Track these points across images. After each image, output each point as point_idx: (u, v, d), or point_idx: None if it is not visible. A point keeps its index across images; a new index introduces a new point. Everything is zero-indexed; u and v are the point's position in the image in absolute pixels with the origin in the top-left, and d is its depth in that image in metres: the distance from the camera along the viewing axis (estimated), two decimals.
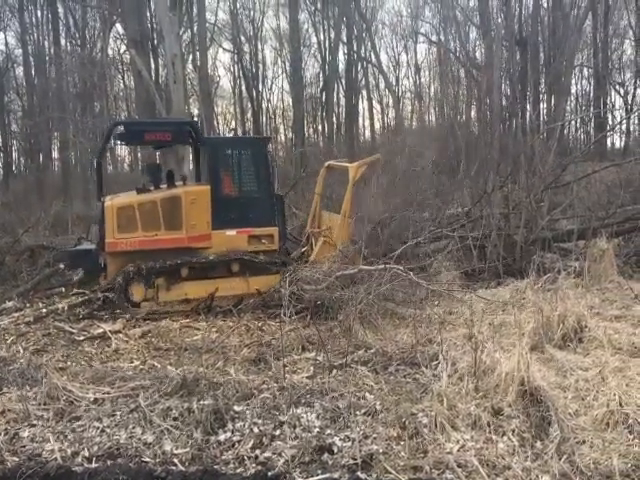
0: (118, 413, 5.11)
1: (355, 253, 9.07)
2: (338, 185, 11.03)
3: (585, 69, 35.13)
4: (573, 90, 34.18)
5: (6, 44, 30.90)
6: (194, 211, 8.75)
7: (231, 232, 8.97)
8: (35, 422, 5.01)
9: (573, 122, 32.15)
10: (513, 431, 4.52)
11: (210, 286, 8.65)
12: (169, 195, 8.85)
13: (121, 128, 9.59)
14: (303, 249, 9.77)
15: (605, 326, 6.60)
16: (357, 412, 4.93)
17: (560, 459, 4.15)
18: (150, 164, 10.96)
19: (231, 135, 11.55)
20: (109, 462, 4.42)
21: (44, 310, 8.37)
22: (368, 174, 10.19)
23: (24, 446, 4.67)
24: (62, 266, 9.77)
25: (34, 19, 29.35)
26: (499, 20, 30.06)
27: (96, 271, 8.98)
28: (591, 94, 34.89)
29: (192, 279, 8.75)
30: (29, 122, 27.13)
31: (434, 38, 38.68)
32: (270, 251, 9.12)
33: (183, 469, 4.30)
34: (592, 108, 32.74)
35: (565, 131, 27.05)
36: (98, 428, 4.87)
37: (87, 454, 4.52)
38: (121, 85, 31.36)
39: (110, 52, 28.34)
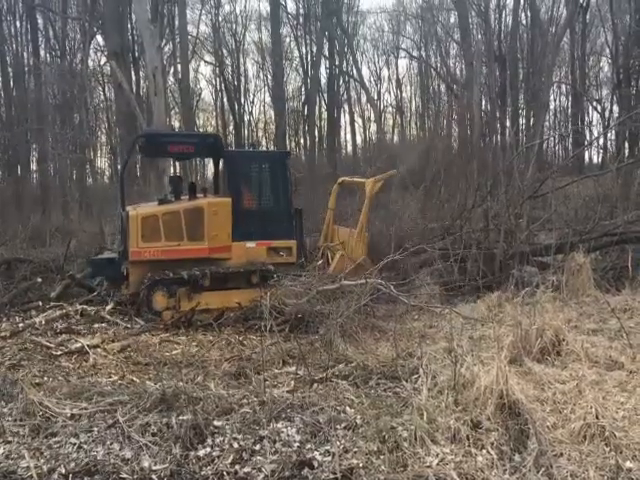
0: (96, 429, 5.03)
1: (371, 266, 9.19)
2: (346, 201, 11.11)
3: (563, 85, 35.81)
4: (552, 106, 34.83)
5: None
6: (216, 222, 8.91)
7: (251, 244, 9.14)
8: (10, 438, 4.91)
9: (552, 137, 32.68)
10: (492, 444, 4.55)
11: (231, 297, 8.81)
12: (192, 206, 9.00)
13: (143, 140, 9.65)
14: (319, 262, 9.79)
15: (582, 340, 6.68)
16: (337, 426, 4.92)
17: (538, 472, 4.19)
18: (172, 176, 11.16)
19: (251, 149, 11.68)
20: (86, 479, 4.36)
21: (21, 324, 8.25)
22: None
23: None
24: (39, 280, 9.70)
25: (13, 29, 29.13)
26: (479, 37, 30.62)
27: (118, 280, 9.06)
28: (569, 110, 35.58)
29: (213, 289, 8.86)
30: (7, 134, 26.82)
31: (415, 53, 39.23)
32: (288, 264, 9.24)
33: None
34: (570, 124, 33.35)
35: (544, 145, 27.45)
36: (75, 444, 4.79)
37: (64, 471, 4.44)
38: (101, 97, 31.21)
39: (90, 64, 28.20)
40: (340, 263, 9.42)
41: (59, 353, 7.24)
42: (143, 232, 8.61)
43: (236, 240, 9.07)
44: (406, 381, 5.78)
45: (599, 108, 34.82)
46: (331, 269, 9.38)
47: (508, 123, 27.59)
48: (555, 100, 36.77)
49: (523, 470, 4.22)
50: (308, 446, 4.68)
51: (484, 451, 4.48)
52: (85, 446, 4.76)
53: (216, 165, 10.67)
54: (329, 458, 4.48)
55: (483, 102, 28.62)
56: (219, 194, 9.94)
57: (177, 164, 17.43)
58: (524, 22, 31.51)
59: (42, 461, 4.58)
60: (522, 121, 30.12)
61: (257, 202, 9.48)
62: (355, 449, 4.58)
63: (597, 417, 4.70)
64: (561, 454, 4.42)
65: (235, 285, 9.05)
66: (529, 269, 10.33)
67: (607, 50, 32.48)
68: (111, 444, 4.78)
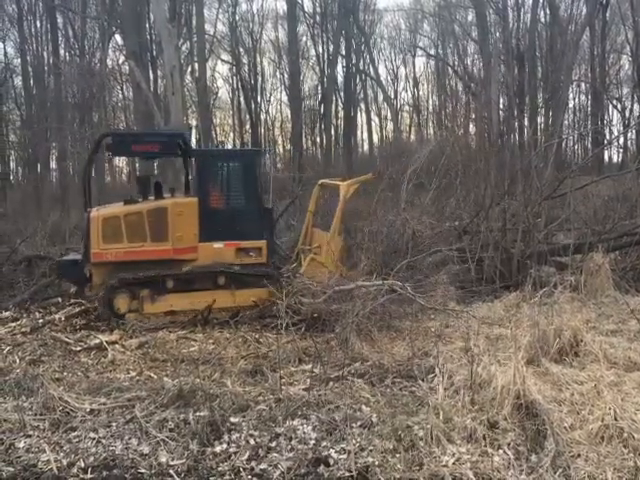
0: (114, 424, 5.11)
1: (345, 271, 9.10)
2: (331, 203, 10.99)
3: (582, 84, 35.41)
4: (570, 105, 34.47)
5: (5, 54, 30.93)
6: (180, 223, 8.68)
7: (218, 245, 8.88)
8: (31, 432, 5.00)
9: (571, 137, 32.35)
10: (509, 444, 4.53)
11: (195, 299, 8.61)
12: (155, 207, 8.77)
13: (109, 139, 9.46)
14: (292, 265, 9.70)
15: (601, 340, 6.61)
16: (353, 424, 4.93)
17: (555, 473, 4.16)
18: (141, 176, 10.91)
19: (220, 147, 11.44)
20: (105, 473, 4.42)
21: (41, 320, 8.38)
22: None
23: (20, 456, 4.66)
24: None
25: (33, 29, 29.53)
26: (497, 35, 30.39)
27: (82, 282, 8.90)
28: (588, 109, 35.17)
29: (177, 291, 8.69)
30: (27, 132, 27.21)
31: (432, 52, 39.05)
32: (258, 264, 9.02)
33: None
34: (589, 123, 32.97)
35: (562, 145, 27.18)
36: (94, 439, 4.87)
37: (83, 465, 4.51)
38: (120, 96, 31.49)
39: (109, 63, 28.52)
40: (310, 267, 9.18)
41: (78, 349, 7.35)
42: (104, 233, 8.43)
43: (204, 241, 8.82)
44: (422, 380, 5.77)
45: (619, 107, 34.48)
46: (300, 272, 9.12)
47: (526, 122, 27.34)
48: (574, 99, 36.43)
49: (540, 471, 4.20)
50: (324, 444, 4.70)
51: (501, 451, 4.47)
52: (104, 441, 4.84)
53: (186, 164, 10.39)
54: (345, 456, 4.49)
55: (501, 101, 28.43)
56: (189, 194, 9.69)
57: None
58: (543, 20, 31.25)
59: (62, 455, 4.66)
60: (540, 120, 29.89)
61: (225, 202, 9.21)
62: (371, 447, 4.59)
63: (615, 418, 4.66)
64: (579, 455, 4.39)
65: (202, 287, 8.82)
66: (547, 269, 10.24)
67: (627, 48, 32.07)
68: (129, 439, 4.85)
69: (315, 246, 9.80)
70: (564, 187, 11.55)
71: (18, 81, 30.60)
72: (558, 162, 17.86)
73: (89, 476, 4.39)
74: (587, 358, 6.16)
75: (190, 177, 10.44)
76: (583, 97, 37.33)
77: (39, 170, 27.72)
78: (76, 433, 4.97)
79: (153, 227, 8.60)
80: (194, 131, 26.92)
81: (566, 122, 32.78)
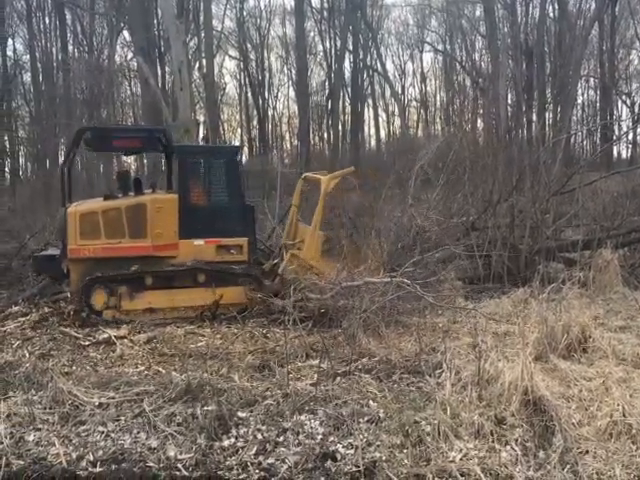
0: (123, 418, 5.13)
1: (328, 266, 8.96)
2: (316, 197, 10.85)
3: (591, 79, 35.19)
4: (579, 100, 34.25)
5: (14, 50, 31.07)
6: (160, 219, 8.55)
7: (199, 242, 8.76)
8: (40, 426, 5.04)
9: (579, 132, 32.16)
10: (516, 440, 4.53)
11: (175, 296, 8.55)
12: (134, 203, 8.66)
13: (89, 134, 9.34)
14: (275, 261, 9.51)
15: (610, 337, 6.59)
16: (360, 420, 4.94)
17: (563, 469, 4.16)
18: (120, 172, 10.77)
19: (202, 143, 11.02)
20: (114, 466, 4.46)
21: (50, 314, 8.41)
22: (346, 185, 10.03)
23: (29, 450, 4.70)
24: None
25: (42, 26, 29.64)
26: (505, 30, 30.23)
27: (59, 277, 8.84)
28: (597, 104, 34.94)
29: (156, 288, 8.58)
30: (36, 128, 27.32)
31: (440, 47, 38.89)
32: (239, 262, 8.91)
33: (187, 474, 4.34)
34: (598, 118, 32.77)
35: (571, 140, 27.02)
36: (103, 432, 4.90)
37: (92, 458, 4.55)
38: (128, 92, 31.60)
39: (117, 59, 28.60)
40: (290, 263, 8.96)
41: (87, 343, 7.39)
42: (82, 229, 8.34)
43: (184, 238, 8.69)
44: (429, 376, 5.76)
45: (628, 102, 34.22)
46: (281, 269, 8.96)
47: (535, 117, 27.21)
48: (583, 94, 36.21)
49: (548, 467, 4.19)
50: (331, 439, 4.71)
51: (508, 447, 4.47)
52: (113, 434, 4.87)
53: (168, 160, 10.20)
54: (352, 451, 4.50)
55: (509, 96, 28.30)
56: (171, 190, 9.50)
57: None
58: (551, 15, 31.04)
59: (71, 448, 4.69)
60: (549, 115, 29.71)
61: (206, 198, 9.06)
62: (378, 442, 4.59)
63: (624, 415, 4.65)
64: (587, 452, 4.38)
65: (181, 284, 8.70)
66: (555, 265, 10.21)
67: (637, 43, 31.87)
68: (138, 433, 4.88)
69: (299, 241, 9.65)
70: (573, 183, 11.49)
71: (27, 77, 30.80)
72: (567, 158, 17.79)
73: (98, 469, 4.43)
74: (595, 354, 6.14)
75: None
76: (592, 92, 37.13)
77: (48, 166, 27.84)
78: (85, 427, 5.00)
79: (131, 223, 8.48)
80: (202, 127, 26.98)
81: (575, 117, 32.65)
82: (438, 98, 41.85)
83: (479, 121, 29.27)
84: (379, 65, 34.80)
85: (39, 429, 4.99)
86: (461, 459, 4.32)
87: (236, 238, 8.94)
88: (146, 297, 8.51)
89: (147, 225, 8.52)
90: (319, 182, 9.50)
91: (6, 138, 27.78)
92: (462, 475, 4.13)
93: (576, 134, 30.40)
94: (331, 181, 9.36)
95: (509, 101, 28.12)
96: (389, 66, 39.65)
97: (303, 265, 8.88)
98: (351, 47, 32.56)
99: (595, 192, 12.13)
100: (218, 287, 8.58)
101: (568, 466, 4.18)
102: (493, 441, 4.52)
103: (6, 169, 27.06)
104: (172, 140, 9.99)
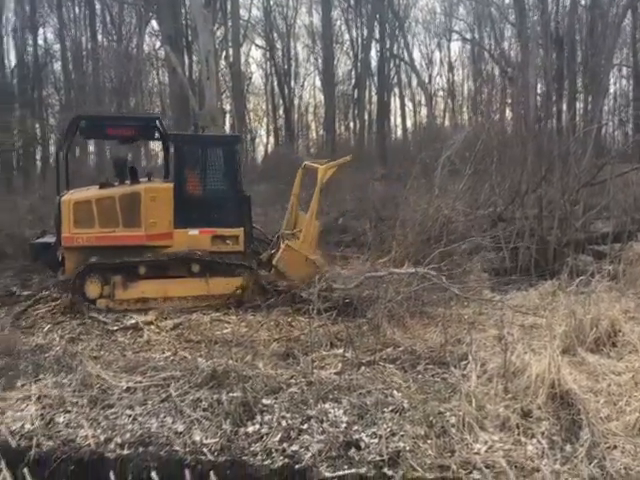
0: (149, 402, 5.23)
1: (321, 258, 8.94)
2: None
3: (624, 68, 34.32)
4: (611, 90, 33.43)
5: (45, 40, 31.40)
6: (154, 209, 8.49)
7: (194, 231, 8.68)
8: (70, 408, 5.16)
9: (610, 122, 31.46)
10: (542, 434, 4.49)
11: (168, 286, 8.50)
12: (128, 191, 8.60)
13: (83, 123, 9.28)
14: (272, 251, 9.42)
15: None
16: (384, 409, 4.95)
17: (590, 463, 4.11)
18: (117, 159, 10.69)
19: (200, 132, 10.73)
20: (140, 449, 4.55)
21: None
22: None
23: (59, 431, 4.82)
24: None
25: (72, 15, 29.95)
26: (535, 18, 29.61)
27: (54, 265, 8.83)
28: (630, 94, 34.08)
29: (150, 278, 8.53)
30: (66, 116, 27.62)
31: (468, 36, 38.28)
32: (234, 252, 8.83)
33: (212, 459, 4.40)
34: (631, 108, 31.97)
35: (602, 130, 26.45)
36: (130, 416, 5.00)
37: (119, 441, 4.65)
38: (155, 81, 31.79)
39: (145, 48, 28.80)
40: (284, 255, 8.79)
41: (115, 329, 7.53)
42: (75, 218, 8.31)
43: (179, 227, 8.61)
44: (455, 367, 5.72)
45: None
46: (275, 260, 8.85)
47: (565, 107, 26.68)
48: (615, 83, 35.26)
49: (575, 461, 4.15)
50: (355, 427, 4.72)
51: (534, 440, 4.43)
52: (140, 418, 4.96)
53: (165, 149, 10.21)
54: (376, 440, 4.51)
55: (539, 85, 27.76)
56: (167, 179, 9.42)
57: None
58: (583, 2, 30.28)
59: (99, 431, 4.80)
60: (579, 105, 29.09)
61: (202, 188, 8.95)
62: (402, 433, 4.59)
63: None
64: (615, 447, 4.33)
65: (176, 274, 8.63)
66: (584, 258, 10.03)
67: None
68: (164, 417, 4.96)
69: (298, 230, 9.54)
70: (603, 174, 11.27)
71: (57, 66, 31.14)
72: (597, 148, 17.39)
73: (125, 452, 4.52)
74: (625, 349, 6.03)
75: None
76: (624, 82, 36.20)
77: (77, 153, 28.24)
78: (113, 410, 5.11)
79: (125, 212, 8.44)
80: (228, 116, 27.09)
81: (606, 107, 31.80)
82: (465, 87, 41.21)
83: (507, 111, 28.80)
84: (406, 54, 34.39)
85: (69, 411, 5.12)
86: (486, 451, 4.30)
87: (232, 228, 8.84)
88: (140, 286, 8.47)
89: (141, 214, 8.47)
90: (317, 171, 9.36)
91: (37, 126, 28.25)
92: (487, 467, 4.10)
93: (607, 124, 29.75)
94: (328, 170, 9.25)
95: (538, 90, 27.57)
96: (416, 55, 39.02)
97: (296, 258, 8.74)
98: (378, 36, 32.23)
99: (626, 184, 11.89)
100: (212, 277, 8.54)
101: (595, 461, 4.13)
102: (519, 434, 4.49)
103: (37, 157, 27.50)
104: (165, 129, 9.87)
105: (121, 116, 12.28)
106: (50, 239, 9.04)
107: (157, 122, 9.60)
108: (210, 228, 8.75)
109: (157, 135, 9.62)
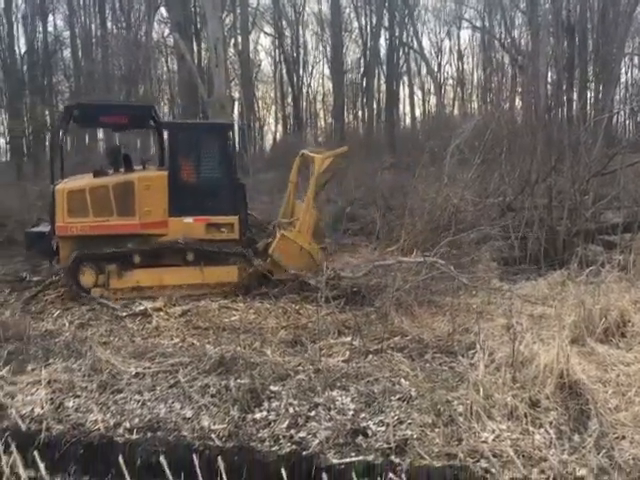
0: (158, 388, 5.27)
1: (317, 248, 8.91)
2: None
3: (636, 57, 33.94)
4: (623, 79, 33.08)
5: (55, 26, 31.53)
6: (148, 197, 8.47)
7: (188, 219, 8.62)
8: (79, 393, 5.21)
9: (622, 111, 31.13)
10: (550, 423, 4.47)
11: (163, 274, 8.48)
12: (122, 180, 8.58)
13: (77, 111, 9.16)
14: (269, 240, 9.37)
15: None
16: (392, 397, 4.96)
17: (598, 453, 4.09)
18: (111, 147, 10.69)
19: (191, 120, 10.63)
20: (149, 434, 4.58)
21: None
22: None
23: (69, 415, 4.87)
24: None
25: (81, 2, 29.90)
26: (546, 6, 29.26)
27: (49, 254, 8.82)
28: None
29: (145, 266, 8.52)
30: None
31: (478, 24, 37.93)
32: (230, 240, 8.76)
33: (220, 444, 4.43)
34: None
35: (613, 120, 26.17)
36: (139, 401, 5.04)
37: (128, 426, 4.69)
38: (164, 68, 31.73)
39: (154, 35, 28.70)
40: (280, 244, 8.71)
41: (124, 315, 7.57)
42: (69, 207, 8.28)
43: (173, 215, 8.57)
44: (462, 356, 5.72)
45: None
46: (271, 249, 8.76)
47: (575, 96, 26.42)
48: (627, 72, 34.90)
49: (583, 451, 4.13)
50: (362, 415, 4.74)
51: (542, 430, 4.41)
52: (149, 403, 5.00)
53: (159, 137, 10.12)
54: (383, 428, 4.52)
55: (549, 74, 27.50)
56: (162, 167, 9.29)
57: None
58: None
59: (108, 415, 4.85)
60: (590, 94, 28.79)
61: (196, 176, 8.94)
62: (409, 421, 4.60)
63: None
64: (623, 437, 4.30)
65: (170, 262, 8.60)
66: (594, 248, 9.95)
67: None
68: (173, 403, 5.00)
69: (295, 219, 9.46)
70: (614, 164, 11.17)
71: (67, 53, 31.18)
72: (608, 138, 17.21)
73: (134, 437, 4.56)
74: (635, 339, 5.98)
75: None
76: (636, 71, 35.80)
77: (87, 141, 28.29)
78: (122, 395, 5.15)
79: (119, 201, 8.41)
80: (236, 104, 27.01)
81: (617, 96, 31.55)
82: (475, 76, 40.91)
83: (517, 100, 28.54)
84: (415, 42, 34.15)
85: (78, 396, 5.16)
86: (493, 440, 4.30)
87: (227, 216, 8.79)
88: (134, 275, 8.46)
89: (135, 203, 8.44)
90: (313, 161, 9.31)
91: (47, 113, 28.29)
92: (494, 456, 4.10)
93: (618, 113, 29.44)
94: (325, 160, 9.17)
95: (549, 79, 27.33)
96: (425, 43, 38.75)
97: (291, 248, 8.70)
98: (387, 24, 32.01)
99: (637, 173, 11.79)
100: (207, 266, 8.53)
101: (604, 451, 4.11)
102: (527, 423, 4.47)
103: (46, 143, 27.55)
104: (159, 117, 9.85)
105: (115, 104, 12.27)
106: (45, 228, 9.01)
107: (151, 111, 9.56)
108: (205, 216, 8.71)
109: (151, 123, 9.56)
